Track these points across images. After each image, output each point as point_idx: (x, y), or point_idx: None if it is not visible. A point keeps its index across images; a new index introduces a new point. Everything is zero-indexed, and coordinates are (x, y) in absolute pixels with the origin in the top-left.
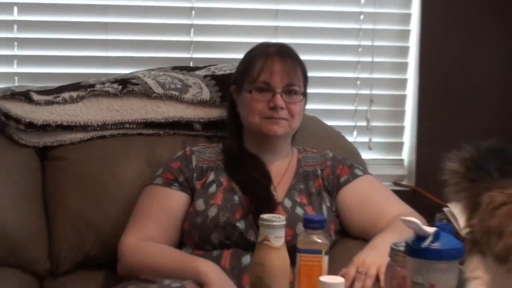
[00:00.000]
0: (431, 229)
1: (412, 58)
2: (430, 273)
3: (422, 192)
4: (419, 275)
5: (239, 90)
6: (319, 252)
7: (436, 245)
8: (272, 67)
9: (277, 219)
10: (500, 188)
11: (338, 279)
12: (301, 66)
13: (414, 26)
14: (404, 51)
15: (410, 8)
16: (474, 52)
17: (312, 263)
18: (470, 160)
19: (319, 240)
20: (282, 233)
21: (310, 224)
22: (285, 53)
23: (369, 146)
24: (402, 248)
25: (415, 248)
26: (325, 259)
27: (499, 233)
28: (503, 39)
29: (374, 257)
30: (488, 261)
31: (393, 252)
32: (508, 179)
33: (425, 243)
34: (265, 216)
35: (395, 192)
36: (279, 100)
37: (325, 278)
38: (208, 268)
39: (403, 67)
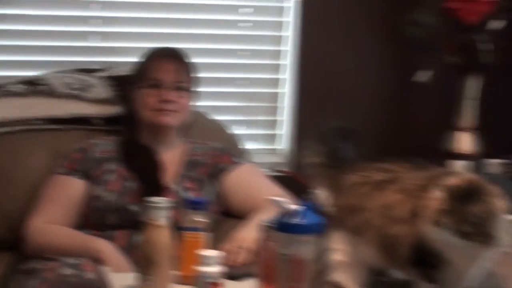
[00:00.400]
0: (295, 207)
1: (289, 60)
2: (294, 245)
3: (296, 177)
4: (285, 247)
5: (134, 89)
6: (199, 229)
7: (299, 221)
8: (164, 66)
9: (161, 201)
10: (356, 170)
11: (214, 253)
12: (189, 66)
13: (291, 32)
14: (283, 54)
15: (289, 16)
16: (349, 56)
17: (194, 239)
18: (326, 150)
19: (199, 219)
20: (165, 213)
21: (192, 205)
22: (175, 55)
23: (250, 138)
24: (271, 224)
25: (281, 224)
26: (205, 236)
27: (355, 211)
28: (376, 44)
29: (250, 233)
30: (347, 235)
31: (264, 228)
32: (363, 162)
33: (290, 220)
34: (151, 198)
35: (273, 177)
36: (168, 95)
37: (204, 252)
38: (104, 247)
39: (281, 68)
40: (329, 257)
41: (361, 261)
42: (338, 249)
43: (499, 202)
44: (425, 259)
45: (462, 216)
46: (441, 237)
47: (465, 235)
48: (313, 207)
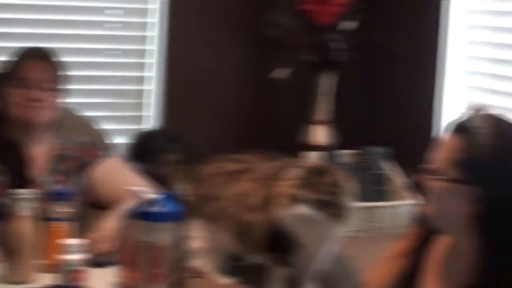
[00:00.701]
0: (154, 196)
1: (155, 59)
2: (152, 233)
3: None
4: (144, 234)
5: (3, 87)
6: (63, 219)
7: (157, 209)
8: (31, 66)
9: (25, 192)
10: (212, 162)
11: (76, 241)
12: (57, 65)
13: (156, 32)
14: (149, 53)
15: (154, 17)
16: (212, 54)
17: (57, 229)
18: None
19: (63, 210)
20: (29, 204)
21: (56, 197)
22: (43, 55)
23: (118, 133)
24: (131, 213)
25: (140, 213)
26: (69, 226)
27: (211, 199)
28: (237, 43)
29: (113, 222)
30: (205, 223)
31: (125, 216)
32: (217, 154)
33: (148, 208)
34: (15, 190)
35: (142, 171)
36: (36, 94)
37: (65, 241)
38: None
39: (148, 66)
40: (188, 244)
41: (218, 248)
42: (197, 236)
43: (344, 181)
44: (278, 244)
45: (318, 186)
46: (294, 216)
47: (322, 205)
48: (171, 196)
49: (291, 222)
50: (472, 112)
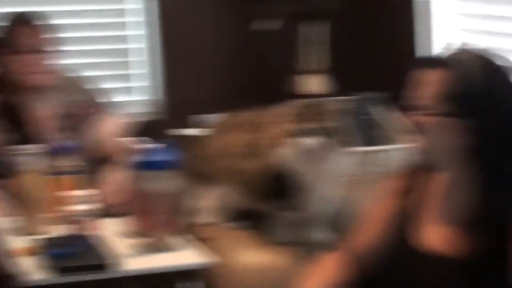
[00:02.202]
0: (154, 146)
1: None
2: (157, 181)
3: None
4: (149, 182)
5: (1, 54)
6: (70, 172)
7: (158, 158)
8: (26, 31)
9: (29, 148)
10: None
11: (85, 192)
12: (44, 29)
13: None
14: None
15: None
16: (201, 11)
17: (67, 182)
18: None
19: (70, 163)
20: (35, 159)
21: (63, 150)
22: (35, 19)
23: (126, 91)
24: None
25: (143, 162)
26: (76, 178)
27: (205, 159)
28: (228, 11)
29: (123, 174)
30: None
31: (131, 167)
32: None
33: (150, 158)
34: (19, 146)
35: (142, 123)
36: (32, 58)
37: (76, 193)
38: None
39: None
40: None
41: (224, 202)
42: (203, 197)
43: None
44: (281, 188)
45: (312, 116)
46: (296, 153)
47: (321, 132)
48: (170, 146)
49: (293, 160)
50: (453, 48)
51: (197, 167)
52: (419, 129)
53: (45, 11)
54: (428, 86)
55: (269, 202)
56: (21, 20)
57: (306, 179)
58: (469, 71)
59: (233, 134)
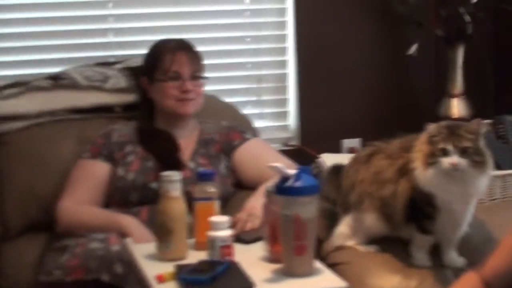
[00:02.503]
0: (293, 172)
1: (291, 43)
2: (294, 206)
3: (304, 149)
4: (286, 208)
5: (151, 80)
6: (210, 198)
7: (297, 184)
8: (180, 59)
9: (174, 174)
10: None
11: (223, 218)
12: (200, 56)
13: (291, 16)
14: (283, 38)
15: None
16: (342, 33)
17: (205, 208)
18: None
19: (210, 189)
20: (178, 185)
21: (202, 177)
22: (187, 47)
23: (260, 116)
24: (273, 189)
25: (281, 187)
26: (215, 204)
27: (352, 187)
28: (364, 22)
29: (259, 201)
30: (351, 211)
31: (268, 193)
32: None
33: (288, 183)
34: (165, 173)
35: (284, 151)
36: (189, 85)
37: (214, 218)
38: (128, 222)
39: (283, 51)
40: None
41: (365, 230)
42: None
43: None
44: (420, 211)
45: (458, 135)
46: (435, 174)
47: (465, 152)
48: (307, 170)
49: (432, 181)
50: None
51: (341, 195)
52: None
53: (194, 38)
54: None
55: (407, 229)
56: (173, 47)
57: (446, 201)
58: None
59: (379, 162)
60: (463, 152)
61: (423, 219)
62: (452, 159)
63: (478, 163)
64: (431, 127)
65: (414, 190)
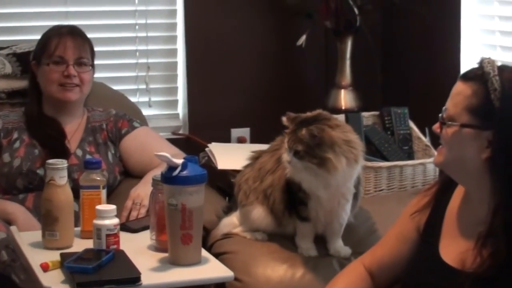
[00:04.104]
0: (179, 161)
1: (180, 32)
2: (181, 195)
3: (193, 138)
4: (172, 197)
5: (38, 64)
6: (97, 187)
7: (184, 173)
8: (65, 43)
9: (60, 162)
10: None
11: (109, 207)
12: (89, 43)
13: (180, 6)
14: (173, 26)
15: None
16: (231, 24)
17: (92, 196)
18: None
19: (97, 178)
20: (64, 173)
21: (89, 165)
22: (75, 33)
23: (149, 104)
24: (159, 179)
25: (168, 177)
26: (102, 193)
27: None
28: (253, 13)
29: (146, 189)
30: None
31: (154, 182)
32: None
33: (175, 172)
34: (50, 161)
35: (173, 140)
36: (72, 70)
37: (100, 207)
38: (14, 209)
39: (173, 39)
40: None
41: (255, 224)
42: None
43: (334, 133)
44: (295, 197)
45: (297, 137)
46: (294, 168)
47: (300, 155)
48: (194, 160)
49: (292, 170)
50: (481, 63)
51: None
52: (443, 140)
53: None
54: (453, 98)
55: (291, 217)
56: (61, 33)
57: (309, 188)
58: (492, 85)
59: (263, 158)
60: (295, 154)
61: (298, 205)
62: (286, 157)
63: (320, 164)
64: (287, 121)
65: (287, 178)
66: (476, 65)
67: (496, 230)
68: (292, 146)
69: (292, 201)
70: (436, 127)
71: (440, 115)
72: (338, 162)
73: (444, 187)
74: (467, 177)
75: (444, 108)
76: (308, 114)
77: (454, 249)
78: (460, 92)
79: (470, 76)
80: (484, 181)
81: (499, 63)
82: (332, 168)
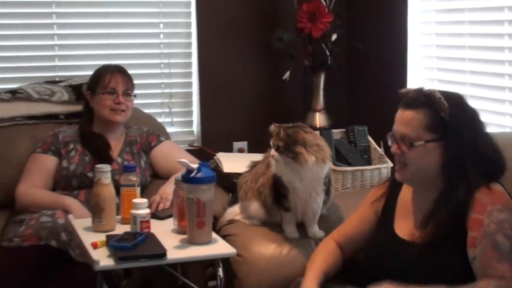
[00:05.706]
0: (195, 166)
1: (194, 69)
2: (196, 192)
3: (204, 149)
4: (190, 193)
5: (93, 94)
6: (133, 185)
7: (198, 175)
8: (117, 78)
9: (105, 167)
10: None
11: (142, 200)
12: (131, 79)
13: (195, 49)
14: (189, 65)
15: (191, 38)
16: (233, 63)
17: (129, 192)
18: None
19: (133, 178)
20: (109, 175)
21: (127, 169)
22: (123, 71)
23: (172, 124)
24: (180, 179)
25: (186, 177)
26: (137, 190)
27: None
28: (251, 54)
29: (170, 187)
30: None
31: (176, 181)
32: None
33: (192, 174)
34: (98, 165)
35: (190, 150)
36: (121, 99)
37: (135, 200)
38: (71, 202)
39: (189, 74)
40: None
41: (252, 216)
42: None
43: (306, 135)
44: (279, 192)
45: (278, 137)
46: (278, 163)
47: (283, 150)
48: (206, 165)
49: (276, 166)
50: (422, 92)
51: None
52: (402, 158)
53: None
54: (408, 122)
55: (278, 209)
56: (112, 70)
57: (287, 181)
58: (441, 106)
59: (261, 164)
60: (277, 149)
61: (282, 198)
62: (272, 152)
63: (294, 157)
64: (273, 128)
65: (274, 176)
66: (413, 96)
67: (440, 209)
68: (275, 143)
69: (278, 195)
70: (395, 149)
71: (394, 140)
72: (308, 157)
73: (395, 182)
74: (424, 182)
75: (398, 134)
76: (290, 124)
77: (405, 227)
78: (412, 118)
79: (416, 104)
80: (438, 180)
81: (435, 90)
82: (304, 161)
